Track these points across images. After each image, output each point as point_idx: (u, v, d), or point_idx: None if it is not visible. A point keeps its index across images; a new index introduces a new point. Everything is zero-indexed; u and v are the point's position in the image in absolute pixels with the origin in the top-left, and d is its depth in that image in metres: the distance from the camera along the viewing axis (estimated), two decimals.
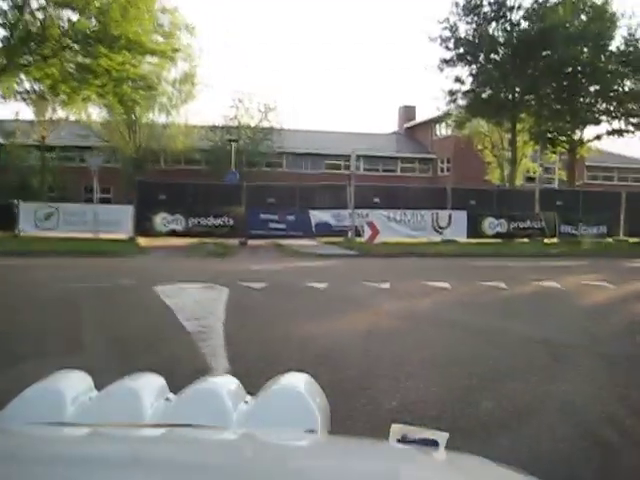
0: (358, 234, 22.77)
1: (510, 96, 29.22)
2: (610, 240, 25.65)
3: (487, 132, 38.04)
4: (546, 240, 24.79)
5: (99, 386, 1.60)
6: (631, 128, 31.92)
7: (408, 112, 54.35)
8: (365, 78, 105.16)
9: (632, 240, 25.69)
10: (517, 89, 28.79)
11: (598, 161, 42.78)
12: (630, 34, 29.95)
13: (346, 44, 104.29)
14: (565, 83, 29.08)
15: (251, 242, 22.76)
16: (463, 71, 29.15)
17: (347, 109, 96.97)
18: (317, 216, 23.65)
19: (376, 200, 24.18)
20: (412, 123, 52.55)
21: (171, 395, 1.61)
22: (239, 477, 0.99)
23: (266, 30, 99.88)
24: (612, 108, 30.83)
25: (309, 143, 44.22)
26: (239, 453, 1.18)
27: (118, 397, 1.52)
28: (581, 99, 30.11)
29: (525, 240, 24.59)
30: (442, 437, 1.20)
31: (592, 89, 29.68)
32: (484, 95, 29.20)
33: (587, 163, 41.21)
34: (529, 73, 27.75)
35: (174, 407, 1.51)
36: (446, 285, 11.63)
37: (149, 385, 1.63)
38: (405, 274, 13.96)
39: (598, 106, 30.57)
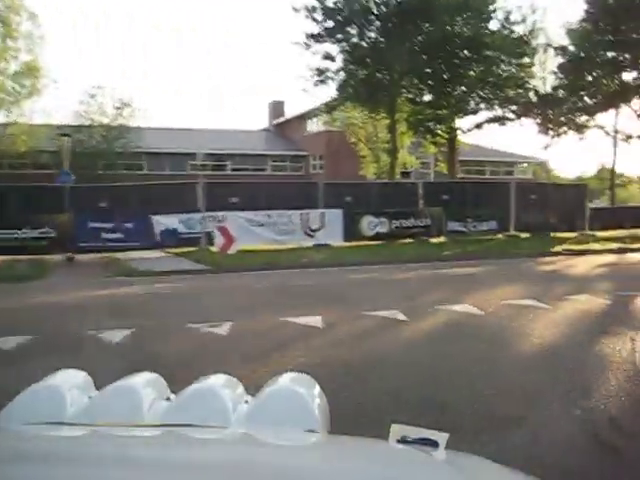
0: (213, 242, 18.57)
1: (388, 77, 25.56)
2: (501, 236, 22.94)
3: (361, 124, 35.09)
4: (433, 240, 21.65)
5: (99, 386, 1.57)
6: (512, 116, 29.96)
7: (277, 108, 51.16)
8: (236, 73, 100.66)
9: (523, 235, 23.12)
10: (395, 69, 25.10)
11: (470, 155, 41.18)
12: (506, 18, 27.80)
13: (216, 37, 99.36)
14: (443, 67, 26.06)
15: (81, 257, 18.12)
16: (334, 47, 25.20)
17: (216, 106, 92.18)
18: (162, 222, 19.19)
19: (234, 200, 19.99)
20: (283, 119, 49.41)
21: (171, 395, 1.62)
22: (239, 477, 0.98)
23: (129, 23, 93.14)
24: (492, 95, 28.50)
25: (173, 142, 40.53)
26: (239, 453, 1.16)
27: (118, 397, 1.51)
28: (462, 87, 27.44)
29: (410, 240, 21.30)
30: (442, 437, 1.18)
31: (473, 71, 26.89)
32: (358, 75, 25.40)
33: (460, 157, 39.27)
34: (407, 50, 24.16)
35: (174, 407, 1.50)
36: (317, 322, 7.66)
37: (149, 385, 1.62)
38: (260, 302, 9.82)
39: (478, 91, 28.05)
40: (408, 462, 1.15)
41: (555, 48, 29.22)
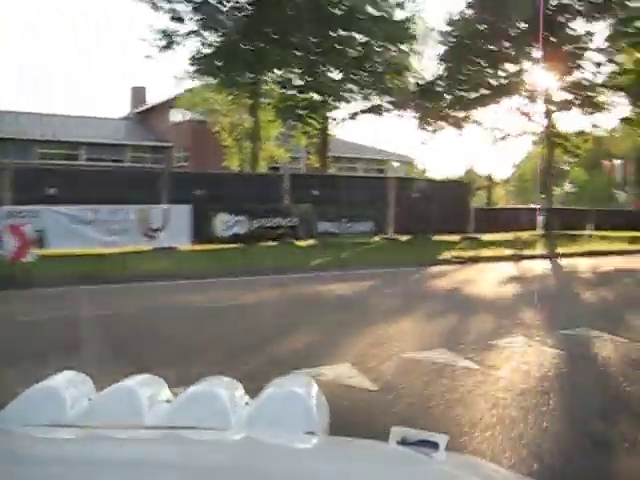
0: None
1: (251, 49, 21.66)
2: (378, 239, 20.07)
3: (225, 111, 31.43)
4: (301, 242, 18.38)
5: (99, 387, 1.52)
6: (390, 107, 27.31)
7: (138, 94, 46.65)
8: (95, 56, 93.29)
9: (404, 238, 20.40)
10: (260, 39, 21.25)
11: (342, 151, 38.75)
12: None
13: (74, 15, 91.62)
14: (318, 41, 22.72)
15: None
16: (185, 7, 20.97)
17: (75, 90, 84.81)
18: None
19: (51, 192, 15.63)
20: (145, 107, 44.95)
21: (171, 397, 1.58)
22: (239, 479, 0.97)
23: None
24: (370, 83, 25.70)
25: (19, 127, 35.55)
26: (239, 455, 1.15)
27: (118, 399, 1.48)
28: (337, 69, 24.41)
29: (273, 244, 17.91)
30: (442, 439, 1.15)
31: (351, 50, 23.84)
32: (215, 44, 21.40)
33: (331, 153, 36.84)
34: (276, 18, 20.38)
35: (174, 409, 1.48)
36: None
37: (149, 387, 1.59)
38: (10, 350, 5.94)
39: (355, 77, 25.13)
40: (408, 464, 1.14)
41: (439, 34, 26.93)
